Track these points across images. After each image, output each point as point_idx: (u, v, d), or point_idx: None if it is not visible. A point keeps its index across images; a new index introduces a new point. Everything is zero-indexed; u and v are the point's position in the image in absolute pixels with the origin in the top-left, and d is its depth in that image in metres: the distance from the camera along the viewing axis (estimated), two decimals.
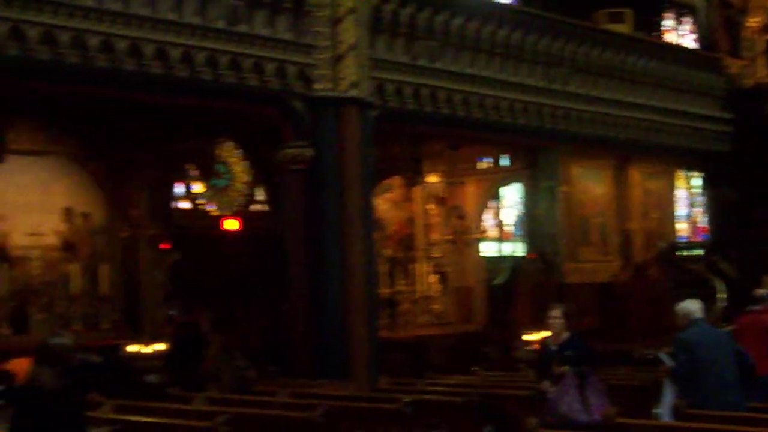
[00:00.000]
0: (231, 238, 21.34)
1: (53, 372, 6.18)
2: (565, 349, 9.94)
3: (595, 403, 9.75)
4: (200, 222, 21.16)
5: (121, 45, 12.85)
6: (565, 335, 10.09)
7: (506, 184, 25.34)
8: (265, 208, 22.20)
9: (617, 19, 22.55)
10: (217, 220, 21.55)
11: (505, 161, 24.40)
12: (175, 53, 13.36)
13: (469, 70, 17.41)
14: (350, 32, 14.94)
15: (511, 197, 26.15)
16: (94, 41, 12.59)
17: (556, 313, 10.16)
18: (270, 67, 14.40)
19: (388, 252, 22.62)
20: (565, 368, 9.78)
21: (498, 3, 19.89)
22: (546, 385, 9.95)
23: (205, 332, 18.34)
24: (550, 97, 18.94)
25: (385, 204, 22.81)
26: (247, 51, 14.16)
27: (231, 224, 21.52)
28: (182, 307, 19.34)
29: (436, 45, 16.88)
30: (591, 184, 23.63)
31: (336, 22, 14.90)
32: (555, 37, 19.07)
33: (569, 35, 19.42)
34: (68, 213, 18.84)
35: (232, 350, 17.86)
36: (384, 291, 20.92)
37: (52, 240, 18.51)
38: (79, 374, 6.29)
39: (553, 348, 10.11)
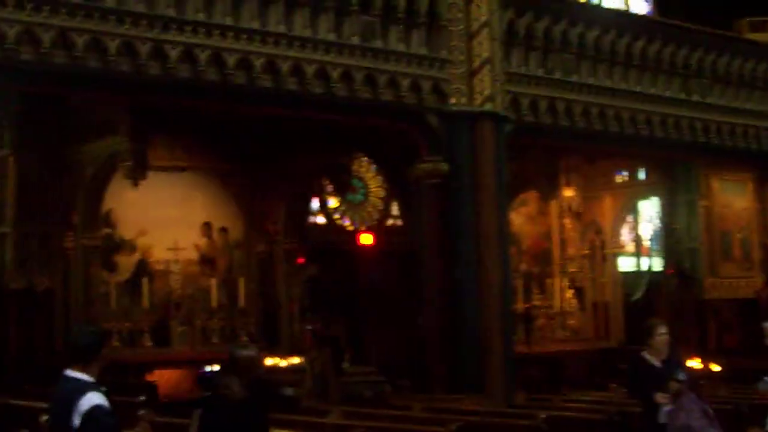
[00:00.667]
0: (366, 252, 21.43)
1: (240, 383, 6.26)
2: (670, 365, 9.83)
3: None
4: (336, 237, 21.30)
5: (258, 62, 13.05)
6: (666, 351, 9.97)
7: (644, 197, 24.85)
8: (399, 222, 22.25)
9: (760, 27, 21.96)
10: (353, 234, 21.67)
11: (642, 175, 23.96)
12: (310, 69, 13.51)
13: (605, 83, 17.17)
14: (485, 46, 14.90)
15: (649, 211, 25.65)
16: (231, 59, 12.83)
17: (663, 330, 10.02)
18: (405, 83, 14.45)
19: (523, 267, 22.45)
20: (679, 385, 9.67)
21: (635, 14, 19.61)
22: (660, 397, 9.79)
23: (343, 346, 18.46)
24: (689, 109, 18.55)
25: (520, 218, 22.64)
26: (382, 66, 14.24)
27: (366, 239, 21.62)
28: (321, 321, 19.51)
29: (572, 58, 16.72)
30: (732, 198, 22.99)
31: (470, 36, 14.88)
32: (694, 48, 18.67)
33: (709, 45, 18.98)
34: (207, 228, 19.22)
35: (368, 364, 17.95)
36: (519, 306, 20.76)
37: (191, 254, 18.92)
38: (261, 386, 6.35)
39: (657, 365, 9.98)
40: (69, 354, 6.07)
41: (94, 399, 5.77)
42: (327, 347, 13.63)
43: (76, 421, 5.72)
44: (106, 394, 5.91)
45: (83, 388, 5.82)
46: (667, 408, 9.66)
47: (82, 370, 5.92)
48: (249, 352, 6.41)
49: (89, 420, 5.71)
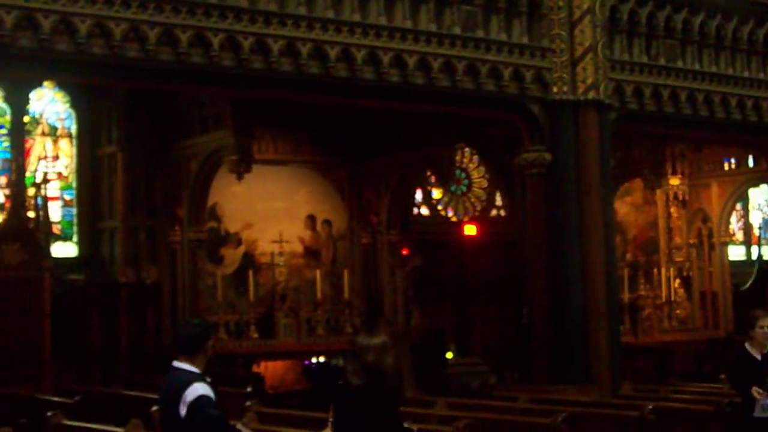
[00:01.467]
0: (470, 243, 21.39)
1: (354, 369, 6.30)
2: None
3: None
4: (439, 228, 21.31)
5: (359, 54, 13.09)
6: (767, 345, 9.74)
7: (754, 185, 24.34)
8: (503, 213, 22.16)
9: None
10: (456, 225, 21.65)
11: (751, 162, 23.44)
12: (411, 61, 13.50)
13: (710, 69, 16.81)
14: (587, 34, 14.72)
15: (759, 199, 25.12)
16: (332, 52, 12.88)
17: (765, 322, 9.76)
18: (507, 72, 14.35)
19: (629, 256, 22.17)
20: None
21: None
22: (755, 390, 9.56)
23: (447, 337, 18.44)
24: None
25: (625, 207, 22.37)
26: (483, 56, 14.16)
27: (470, 230, 21.57)
28: (423, 312, 19.53)
29: (676, 43, 16.39)
30: None
31: (572, 24, 14.72)
32: None
33: None
34: (311, 220, 19.38)
35: (473, 355, 17.89)
36: (625, 296, 20.51)
37: (295, 247, 19.10)
38: (388, 375, 6.34)
39: (757, 357, 9.72)
40: (176, 346, 6.20)
41: (199, 389, 5.89)
42: (402, 340, 13.60)
43: (183, 410, 5.85)
44: (212, 385, 6.00)
45: (190, 378, 5.94)
46: (763, 402, 9.47)
47: (189, 361, 6.04)
48: (366, 340, 6.40)
49: (194, 410, 5.83)
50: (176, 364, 6.07)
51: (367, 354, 6.28)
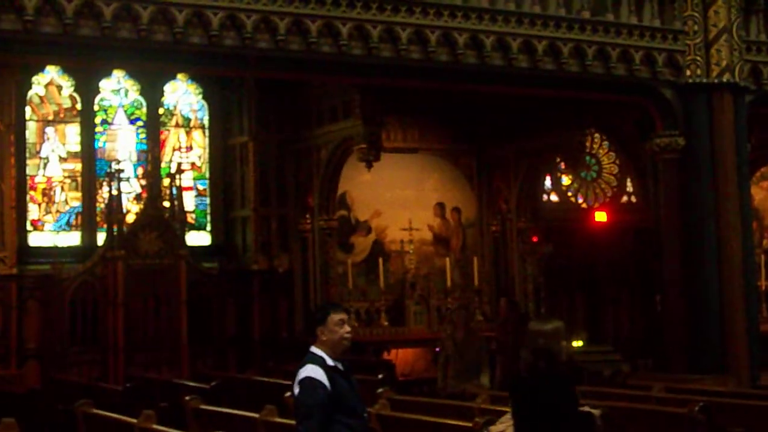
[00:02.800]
0: (600, 230, 21.12)
1: (526, 354, 6.31)
2: None
3: None
4: (569, 214, 21.10)
5: (488, 41, 13.02)
6: None
7: None
8: (634, 199, 21.82)
9: None
10: (587, 212, 21.41)
11: None
12: (540, 46, 13.38)
13: None
14: (722, 15, 14.38)
15: None
16: (461, 39, 12.84)
17: None
18: (638, 56, 14.11)
19: (765, 243, 21.62)
20: None
21: None
22: None
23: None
24: None
25: (761, 193, 21.82)
26: (613, 40, 13.95)
27: (600, 216, 21.31)
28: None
29: None
30: None
31: (706, 5, 14.39)
32: None
33: None
34: (440, 208, 19.37)
35: (604, 343, 17.66)
36: (762, 283, 19.99)
37: (425, 234, 19.12)
38: (563, 362, 6.34)
39: None
40: (310, 331, 6.35)
41: (307, 371, 6.04)
42: (474, 329, 13.43)
43: (296, 390, 6.00)
44: (335, 370, 6.06)
45: (306, 360, 6.09)
46: None
47: (318, 345, 6.17)
48: (548, 326, 6.37)
49: (299, 389, 5.99)
50: (311, 348, 6.29)
51: (538, 339, 6.26)
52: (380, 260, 18.31)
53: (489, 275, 19.41)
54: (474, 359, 12.92)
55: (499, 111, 17.71)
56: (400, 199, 18.89)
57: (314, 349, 6.21)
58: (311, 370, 6.06)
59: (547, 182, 21.06)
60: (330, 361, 6.12)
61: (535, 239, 19.58)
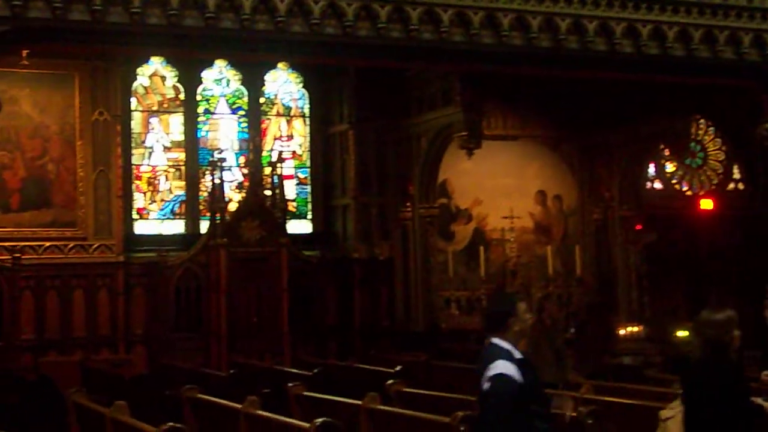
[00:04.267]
0: (706, 218, 20.74)
1: (697, 343, 6.24)
2: None
3: None
4: (674, 202, 20.75)
5: (591, 26, 12.81)
6: None
7: None
8: (741, 186, 21.36)
9: None
10: (691, 199, 21.03)
11: None
12: (645, 31, 13.12)
13: None
14: None
15: None
16: (563, 24, 12.66)
17: None
18: (747, 39, 13.75)
19: None
20: None
21: None
22: None
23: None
24: None
25: None
26: (721, 23, 13.61)
27: (706, 204, 20.92)
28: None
29: None
30: None
31: None
32: None
33: None
34: (541, 196, 19.21)
35: None
36: None
37: (526, 222, 18.98)
38: (727, 349, 6.26)
39: None
40: (486, 321, 6.25)
41: (499, 367, 5.89)
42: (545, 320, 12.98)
43: (485, 385, 5.89)
44: (523, 363, 5.98)
45: (497, 354, 5.96)
46: None
47: (500, 337, 6.04)
48: (719, 315, 6.27)
49: (491, 386, 5.86)
50: (491, 339, 6.10)
51: (708, 329, 6.16)
52: (481, 248, 18.22)
53: (590, 264, 19.18)
54: (544, 351, 12.52)
55: (601, 97, 17.45)
56: (500, 187, 18.78)
57: (498, 342, 6.01)
58: (503, 366, 5.90)
59: (651, 169, 20.74)
60: (517, 354, 6.03)
61: (638, 227, 19.29)
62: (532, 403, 5.95)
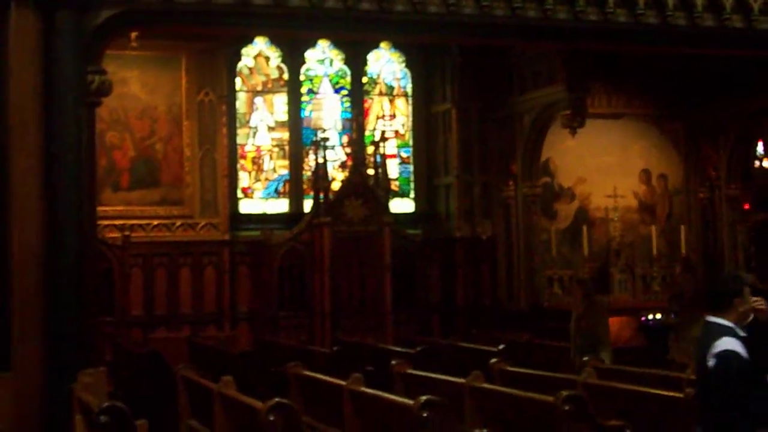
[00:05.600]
0: None
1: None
2: None
3: None
4: None
5: (699, 1, 12.57)
6: None
7: None
8: None
9: None
10: None
11: None
12: (756, 5, 12.81)
13: None
14: None
15: None
16: (671, 1, 12.45)
17: None
18: None
19: None
20: None
21: None
22: None
23: None
24: None
25: None
26: None
27: None
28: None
29: None
30: None
31: None
32: None
33: None
34: (645, 175, 18.98)
35: None
36: None
37: (630, 202, 18.77)
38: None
39: None
40: (708, 300, 6.30)
41: (727, 344, 5.97)
42: (597, 302, 12.65)
43: (711, 362, 5.97)
44: (745, 340, 6.04)
45: (719, 332, 6.04)
46: None
47: (721, 315, 6.12)
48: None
49: (719, 363, 5.94)
50: (709, 318, 6.21)
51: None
52: (584, 227, 18.08)
53: (696, 244, 18.90)
54: (591, 333, 12.31)
55: (708, 74, 17.15)
56: (604, 166, 18.60)
57: (719, 320, 6.12)
58: (728, 343, 5.99)
59: (759, 147, 20.30)
60: (740, 332, 6.10)
61: (746, 206, 18.94)
62: (757, 378, 6.01)
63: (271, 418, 7.27)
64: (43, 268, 9.56)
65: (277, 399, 7.43)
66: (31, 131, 9.66)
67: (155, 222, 16.43)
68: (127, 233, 15.92)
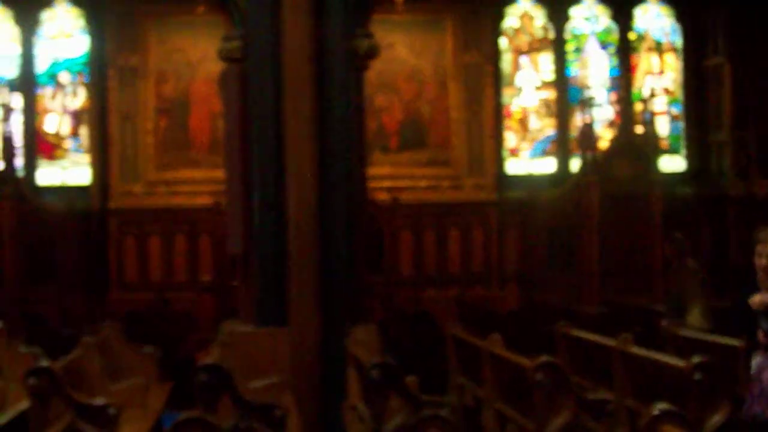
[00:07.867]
0: None
1: None
2: None
3: None
4: None
5: None
6: None
7: None
8: None
9: None
10: None
11: None
12: None
13: None
14: None
15: None
16: None
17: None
18: None
19: None
20: None
21: None
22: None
23: None
24: None
25: None
26: None
27: None
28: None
29: None
30: None
31: None
32: None
33: None
34: None
35: None
36: None
37: None
38: None
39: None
40: None
41: None
42: (687, 263, 11.37)
43: None
44: None
45: None
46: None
47: None
48: None
49: None
50: None
51: None
52: None
53: None
54: (678, 294, 11.32)
55: None
56: None
57: None
58: None
59: None
60: None
61: None
62: None
63: (539, 377, 7.29)
64: (318, 227, 9.83)
65: (544, 357, 7.45)
66: (306, 95, 9.93)
67: (423, 183, 16.71)
68: (395, 195, 16.27)
